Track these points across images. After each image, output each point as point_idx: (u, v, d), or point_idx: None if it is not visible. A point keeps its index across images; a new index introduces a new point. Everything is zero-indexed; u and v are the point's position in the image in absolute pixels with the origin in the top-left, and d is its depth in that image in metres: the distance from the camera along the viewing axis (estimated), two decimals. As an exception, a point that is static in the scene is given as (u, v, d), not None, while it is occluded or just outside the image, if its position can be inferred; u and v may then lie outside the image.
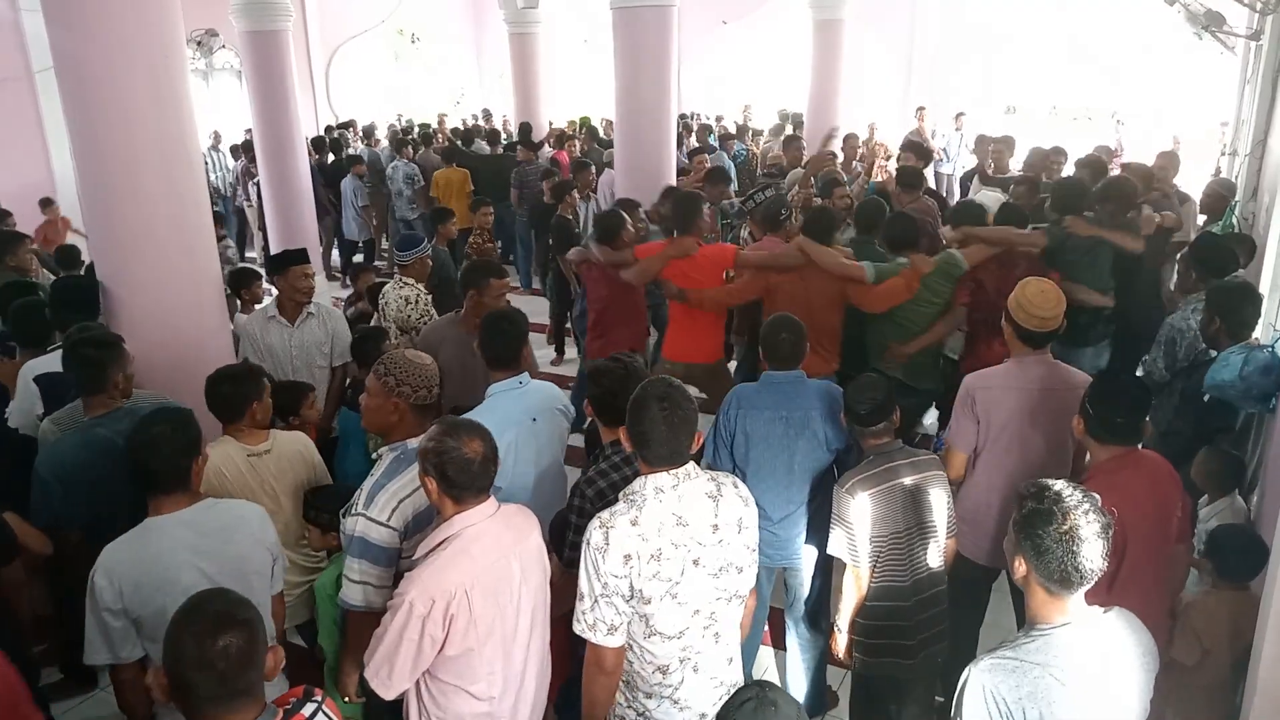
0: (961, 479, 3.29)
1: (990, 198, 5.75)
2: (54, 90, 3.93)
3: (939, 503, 2.91)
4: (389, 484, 2.54)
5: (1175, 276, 6.06)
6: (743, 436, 3.27)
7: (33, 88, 7.59)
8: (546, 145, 11.29)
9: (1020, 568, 1.94)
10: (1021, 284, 3.27)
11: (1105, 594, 1.98)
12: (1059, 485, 1.92)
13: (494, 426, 2.87)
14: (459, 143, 11.38)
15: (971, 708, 1.89)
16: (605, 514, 2.20)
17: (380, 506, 2.51)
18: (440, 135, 13.82)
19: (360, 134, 13.40)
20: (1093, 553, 1.84)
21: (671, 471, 2.20)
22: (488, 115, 16.22)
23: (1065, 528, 1.84)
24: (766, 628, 3.77)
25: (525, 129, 11.31)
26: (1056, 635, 1.90)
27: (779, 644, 3.79)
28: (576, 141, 11.74)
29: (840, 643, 3.00)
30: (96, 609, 2.28)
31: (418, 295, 4.99)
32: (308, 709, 1.76)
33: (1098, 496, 1.92)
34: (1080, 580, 1.86)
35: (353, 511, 2.53)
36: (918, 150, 7.15)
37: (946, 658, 3.09)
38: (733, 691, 1.80)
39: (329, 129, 13.91)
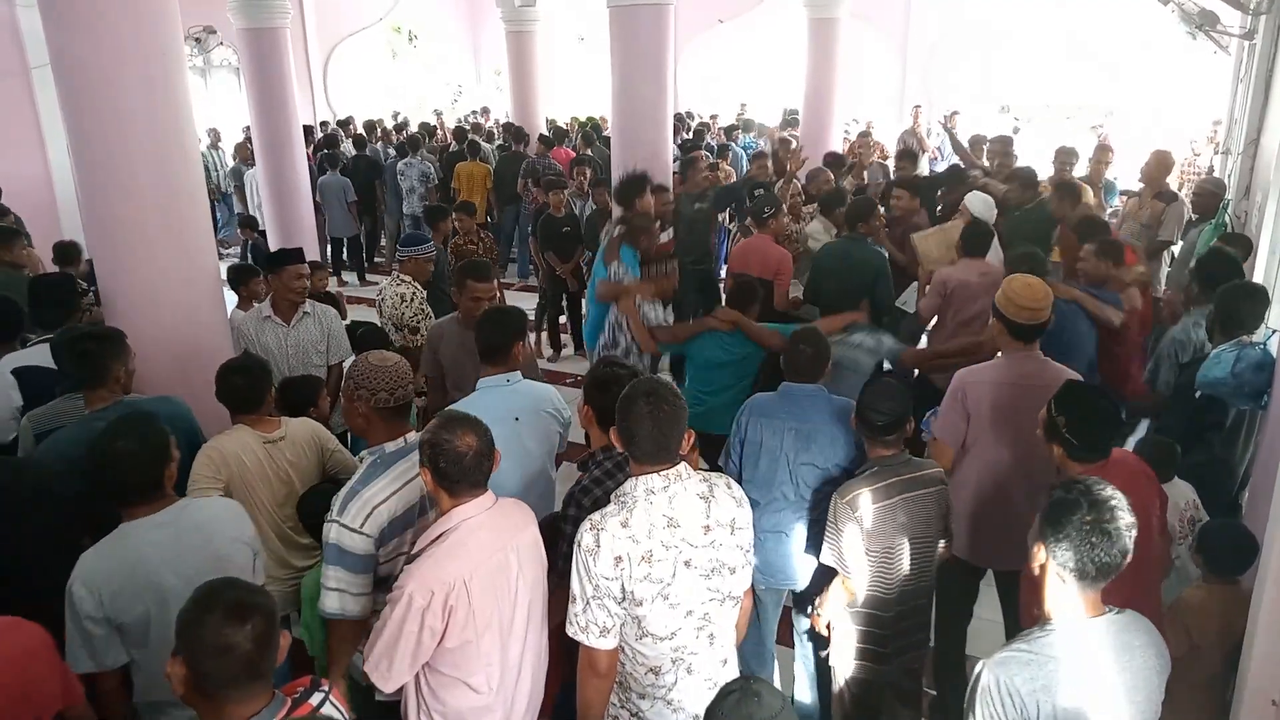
0: (948, 472, 3.29)
1: (981, 200, 5.75)
2: (51, 86, 3.94)
3: (938, 516, 2.89)
4: (363, 490, 2.49)
5: (1164, 281, 6.11)
6: (753, 445, 3.21)
7: (29, 84, 7.57)
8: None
9: (1039, 556, 1.94)
10: (1007, 279, 3.29)
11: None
12: (1089, 480, 1.94)
13: None
14: (455, 142, 11.39)
15: (984, 700, 1.90)
16: (596, 516, 2.20)
17: (353, 513, 2.45)
18: (441, 133, 13.85)
19: (363, 130, 13.39)
20: (1113, 549, 1.85)
21: (663, 473, 2.19)
22: (484, 112, 16.23)
23: (1089, 519, 1.86)
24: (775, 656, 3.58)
25: (526, 129, 11.31)
26: (1071, 630, 1.91)
27: (785, 641, 3.72)
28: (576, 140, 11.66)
29: (820, 624, 2.99)
30: (77, 618, 2.25)
31: (413, 293, 5.02)
32: (315, 698, 1.79)
33: (1124, 495, 1.92)
34: (1096, 574, 1.86)
35: (328, 518, 2.50)
36: (908, 155, 7.20)
37: (935, 653, 3.10)
38: None
39: (323, 124, 13.91)
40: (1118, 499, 1.90)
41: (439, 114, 15.85)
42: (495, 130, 13.68)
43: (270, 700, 1.71)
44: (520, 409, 3.14)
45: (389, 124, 13.98)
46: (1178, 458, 3.37)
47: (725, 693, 1.75)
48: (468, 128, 13.57)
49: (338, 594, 2.47)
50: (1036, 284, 3.22)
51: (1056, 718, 1.85)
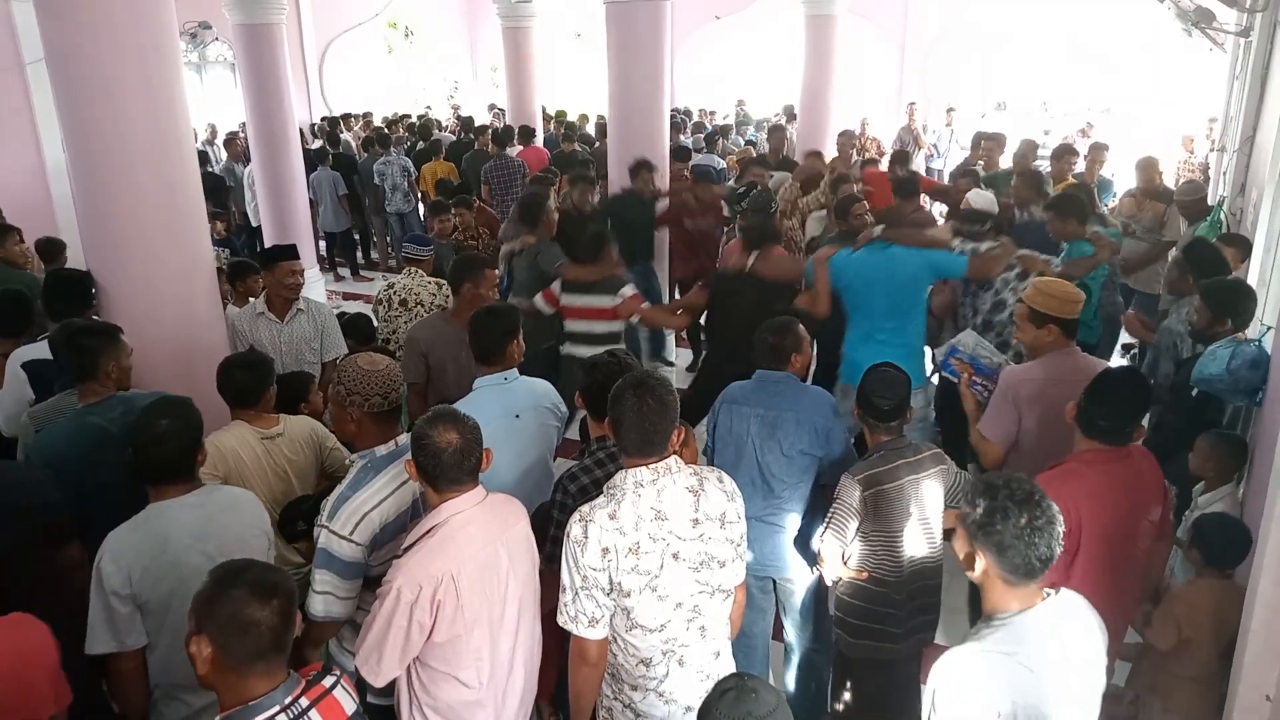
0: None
1: (982, 198, 5.75)
2: (46, 82, 3.92)
3: (937, 497, 2.92)
4: (353, 496, 2.46)
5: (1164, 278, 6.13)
6: (724, 431, 3.23)
7: (24, 79, 7.53)
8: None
9: (980, 564, 1.95)
10: (1045, 282, 3.35)
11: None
12: (1006, 480, 1.95)
13: None
14: (419, 138, 11.25)
15: (943, 697, 1.90)
16: (585, 507, 2.22)
17: (343, 520, 2.42)
18: (397, 127, 13.65)
19: (365, 126, 13.34)
20: (1050, 540, 1.88)
21: (651, 465, 2.21)
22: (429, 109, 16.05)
23: (1023, 522, 1.87)
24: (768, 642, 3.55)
25: (469, 123, 11.18)
26: (1018, 622, 1.92)
27: (776, 636, 3.72)
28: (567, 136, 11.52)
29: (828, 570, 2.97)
30: (103, 593, 2.29)
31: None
32: (328, 681, 1.85)
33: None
34: (1041, 568, 1.90)
35: (318, 522, 2.49)
36: (899, 158, 7.30)
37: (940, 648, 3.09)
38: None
39: (323, 119, 13.88)
40: (1039, 490, 1.92)
41: (398, 115, 15.58)
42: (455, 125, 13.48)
43: (286, 678, 1.76)
44: (520, 406, 3.17)
45: (379, 122, 13.92)
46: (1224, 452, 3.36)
47: (721, 690, 1.75)
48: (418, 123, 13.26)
49: (323, 597, 2.45)
50: (1058, 280, 3.37)
51: (1015, 706, 1.86)
